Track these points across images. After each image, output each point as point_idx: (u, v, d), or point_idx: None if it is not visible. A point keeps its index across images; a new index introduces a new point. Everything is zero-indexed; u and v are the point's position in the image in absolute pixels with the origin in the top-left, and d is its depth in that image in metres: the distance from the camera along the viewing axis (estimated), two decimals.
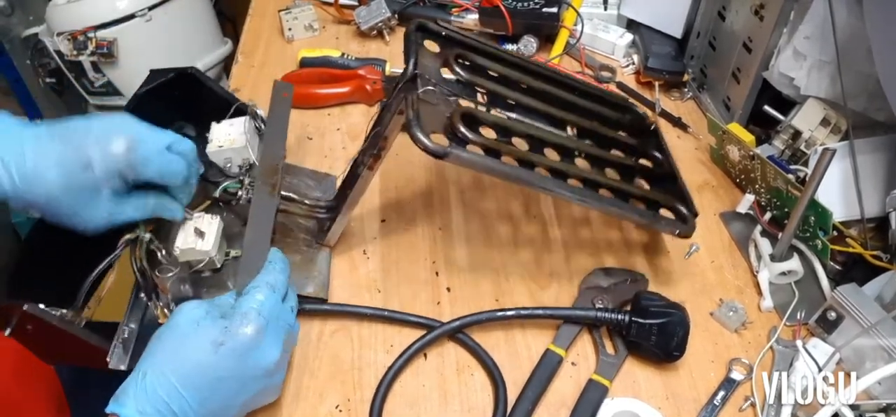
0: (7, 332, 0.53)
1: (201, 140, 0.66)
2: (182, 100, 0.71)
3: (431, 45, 0.59)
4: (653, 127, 0.72)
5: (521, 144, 0.57)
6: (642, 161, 0.65)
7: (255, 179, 0.61)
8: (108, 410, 0.44)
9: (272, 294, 0.50)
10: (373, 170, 0.60)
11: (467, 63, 0.59)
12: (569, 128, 0.63)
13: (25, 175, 0.48)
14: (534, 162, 0.56)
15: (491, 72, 0.61)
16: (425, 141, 0.49)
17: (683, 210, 0.61)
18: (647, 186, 0.62)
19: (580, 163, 0.60)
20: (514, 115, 0.60)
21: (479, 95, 0.58)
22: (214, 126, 0.67)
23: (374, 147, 0.58)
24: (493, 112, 0.57)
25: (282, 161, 0.63)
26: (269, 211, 0.58)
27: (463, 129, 0.52)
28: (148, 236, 0.57)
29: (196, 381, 0.46)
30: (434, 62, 0.57)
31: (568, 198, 0.56)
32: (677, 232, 0.61)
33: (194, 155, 0.58)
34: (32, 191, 0.48)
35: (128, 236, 0.55)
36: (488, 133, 0.55)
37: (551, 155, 0.59)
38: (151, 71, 0.70)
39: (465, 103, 0.56)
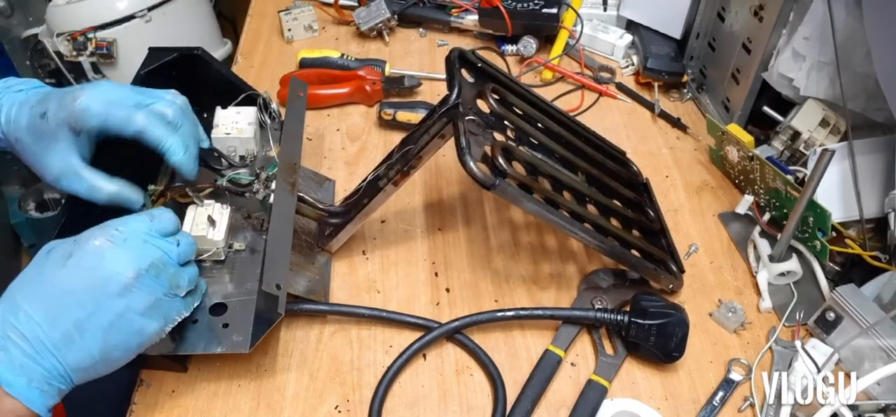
0: None
1: (204, 124, 0.65)
2: (185, 82, 0.71)
3: (467, 75, 0.60)
4: (645, 182, 0.75)
5: (544, 184, 0.59)
6: (638, 214, 0.67)
7: (269, 174, 0.61)
8: None
9: (147, 219, 0.49)
10: (397, 186, 0.61)
11: (498, 97, 0.60)
12: (578, 174, 0.65)
13: (10, 118, 0.54)
14: (557, 202, 0.58)
15: (516, 110, 0.62)
16: (475, 170, 0.50)
17: (673, 266, 0.64)
18: (642, 239, 0.64)
19: (591, 208, 0.62)
20: (539, 155, 0.61)
21: (507, 131, 0.59)
22: (220, 111, 0.67)
23: (404, 164, 0.59)
24: (521, 149, 0.59)
25: (299, 159, 0.63)
26: (289, 209, 0.58)
27: (502, 162, 0.52)
28: None
29: (43, 298, 0.44)
30: (470, 92, 0.58)
31: (585, 241, 0.58)
32: (671, 286, 0.63)
33: (178, 115, 0.57)
34: (11, 131, 0.54)
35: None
36: (518, 168, 0.56)
37: (567, 197, 0.60)
38: (151, 49, 0.69)
39: (499, 136, 0.57)
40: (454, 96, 0.56)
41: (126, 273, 0.45)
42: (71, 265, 0.45)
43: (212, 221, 0.58)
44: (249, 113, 0.66)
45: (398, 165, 0.60)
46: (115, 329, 0.45)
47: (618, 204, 0.65)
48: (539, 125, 0.64)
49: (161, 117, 0.56)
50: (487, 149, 0.54)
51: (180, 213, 0.59)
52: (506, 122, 0.60)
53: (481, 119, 0.56)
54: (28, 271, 0.46)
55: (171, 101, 0.57)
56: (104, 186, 0.55)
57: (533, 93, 0.67)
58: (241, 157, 0.66)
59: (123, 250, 0.46)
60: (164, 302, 0.48)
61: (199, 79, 0.70)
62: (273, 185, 0.59)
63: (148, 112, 0.55)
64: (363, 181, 0.63)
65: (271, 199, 0.58)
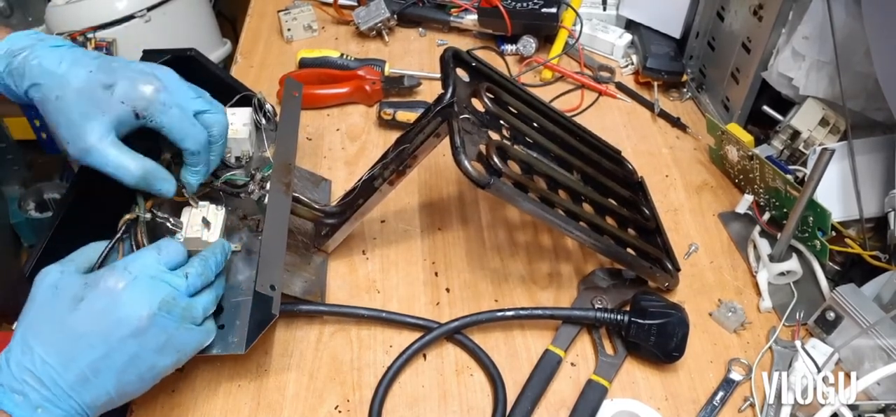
0: None
1: None
2: None
3: (462, 74, 0.60)
4: (640, 180, 0.75)
5: (540, 182, 0.59)
6: (633, 213, 0.67)
7: (264, 175, 0.61)
8: None
9: (154, 254, 0.49)
10: (393, 186, 0.61)
11: (492, 96, 0.60)
12: (574, 172, 0.65)
13: (52, 72, 0.50)
14: (552, 201, 0.58)
15: (511, 109, 0.62)
16: (470, 168, 0.50)
17: (668, 265, 0.64)
18: (638, 237, 0.64)
19: (586, 207, 0.62)
20: (534, 153, 0.61)
21: (502, 129, 0.59)
22: None
23: (399, 163, 0.59)
24: (517, 147, 0.58)
25: (294, 160, 0.62)
26: (284, 210, 0.58)
27: (497, 161, 0.52)
28: (148, 216, 0.56)
29: (56, 342, 0.44)
30: (465, 91, 0.58)
31: (581, 239, 0.58)
32: (666, 284, 0.63)
33: (222, 133, 0.57)
34: (50, 84, 0.50)
35: (128, 217, 0.54)
36: (513, 167, 0.56)
37: (562, 196, 0.60)
38: (145, 51, 0.68)
39: (494, 135, 0.57)
40: (449, 95, 0.56)
41: (138, 314, 0.46)
42: (83, 308, 0.45)
43: (206, 223, 0.58)
44: (244, 114, 0.66)
45: (393, 165, 0.60)
46: (129, 368, 0.46)
47: (613, 202, 0.65)
48: (534, 124, 0.64)
49: (209, 139, 0.56)
50: (482, 147, 0.54)
51: (175, 214, 0.59)
52: (501, 121, 0.59)
53: (476, 118, 0.56)
54: (36, 310, 0.46)
55: (221, 121, 0.57)
56: (132, 168, 0.52)
57: (528, 92, 0.67)
58: (237, 158, 0.66)
59: (134, 291, 0.46)
60: (178, 336, 0.48)
61: (193, 81, 0.70)
62: (268, 186, 0.59)
63: (207, 137, 0.55)
64: (358, 181, 0.63)
65: (266, 200, 0.58)
